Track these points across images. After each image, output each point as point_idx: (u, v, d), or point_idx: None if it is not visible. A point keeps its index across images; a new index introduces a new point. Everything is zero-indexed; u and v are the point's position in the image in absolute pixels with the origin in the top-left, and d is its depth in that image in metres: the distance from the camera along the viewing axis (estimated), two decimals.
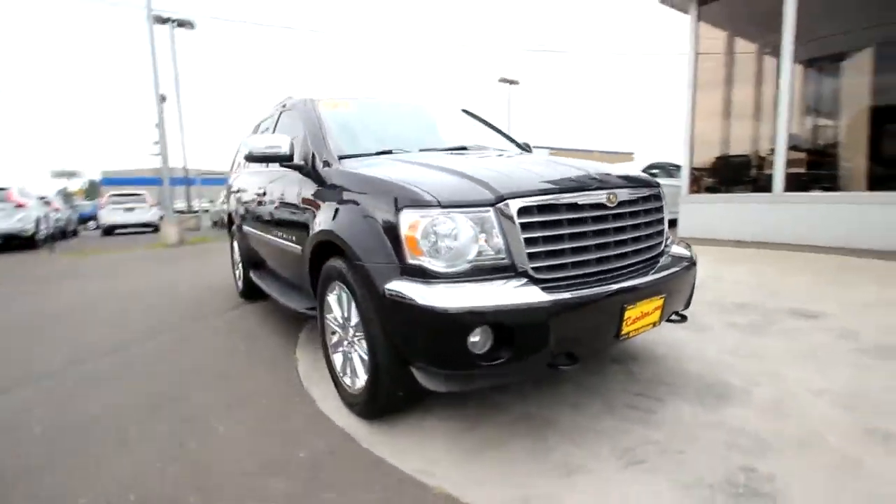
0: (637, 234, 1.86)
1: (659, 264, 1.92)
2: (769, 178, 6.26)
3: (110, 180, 44.85)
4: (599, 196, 1.74)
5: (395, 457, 1.64)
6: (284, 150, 2.33)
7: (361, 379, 1.84)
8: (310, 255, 2.14)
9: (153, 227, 15.16)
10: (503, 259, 1.53)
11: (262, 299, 4.19)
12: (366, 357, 1.76)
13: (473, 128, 3.20)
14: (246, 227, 3.65)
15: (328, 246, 2.00)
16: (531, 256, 1.55)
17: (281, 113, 3.13)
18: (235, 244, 4.27)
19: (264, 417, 2.00)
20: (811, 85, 7.25)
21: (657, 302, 1.78)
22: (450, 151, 2.49)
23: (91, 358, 2.82)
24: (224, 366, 2.64)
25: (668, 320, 2.00)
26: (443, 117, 3.24)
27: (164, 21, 13.49)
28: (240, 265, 4.13)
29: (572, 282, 1.60)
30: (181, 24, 14.01)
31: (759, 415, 1.81)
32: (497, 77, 24.30)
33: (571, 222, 1.65)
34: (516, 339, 1.45)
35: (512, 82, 25.13)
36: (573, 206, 1.67)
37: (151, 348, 2.99)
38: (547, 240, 1.59)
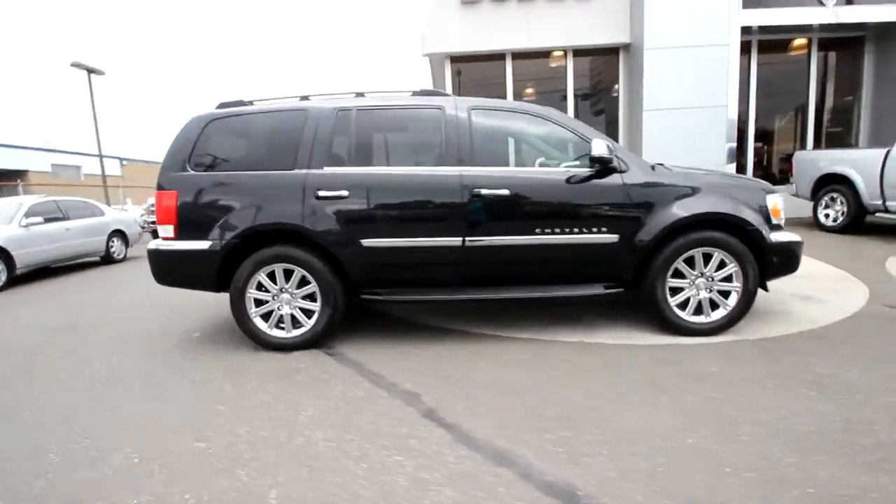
0: None
1: None
2: None
3: None
4: None
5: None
6: (608, 154, 2.78)
7: (724, 309, 2.93)
8: (660, 237, 2.84)
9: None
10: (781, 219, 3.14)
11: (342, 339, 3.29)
12: (737, 289, 2.89)
13: None
14: (389, 241, 2.95)
15: (679, 228, 2.85)
16: None
17: (503, 108, 3.26)
18: (291, 274, 3.01)
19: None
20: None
21: None
22: None
23: None
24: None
25: None
26: None
27: None
28: (326, 295, 3.03)
29: None
30: None
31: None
32: (70, 61, 17.49)
33: None
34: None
35: (93, 70, 18.73)
36: None
37: None
38: None
